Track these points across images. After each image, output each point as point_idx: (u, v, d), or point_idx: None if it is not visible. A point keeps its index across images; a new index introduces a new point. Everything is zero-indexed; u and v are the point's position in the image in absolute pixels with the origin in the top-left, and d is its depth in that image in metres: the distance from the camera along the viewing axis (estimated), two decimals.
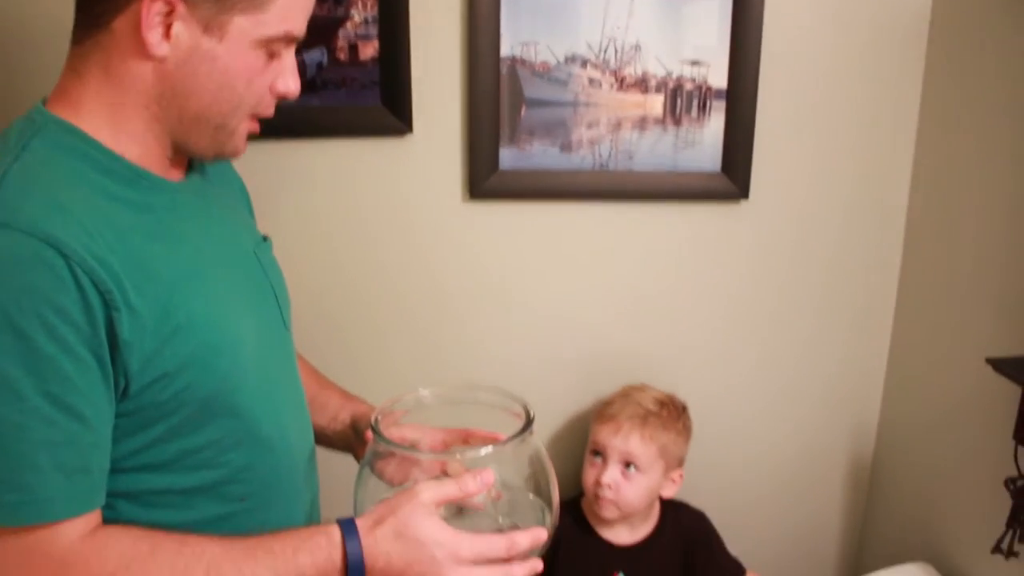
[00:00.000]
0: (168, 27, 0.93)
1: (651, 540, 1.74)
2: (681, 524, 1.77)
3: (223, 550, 0.93)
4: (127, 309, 0.89)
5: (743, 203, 1.74)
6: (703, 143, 1.70)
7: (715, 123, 1.69)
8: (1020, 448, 1.39)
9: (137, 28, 0.92)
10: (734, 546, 1.78)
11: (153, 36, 0.92)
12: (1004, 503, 1.43)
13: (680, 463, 1.74)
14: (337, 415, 1.33)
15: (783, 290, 1.81)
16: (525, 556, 1.04)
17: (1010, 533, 1.42)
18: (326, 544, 0.96)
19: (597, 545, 1.72)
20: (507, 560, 1.02)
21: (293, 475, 1.15)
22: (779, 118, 1.70)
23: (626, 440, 1.66)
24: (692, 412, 1.77)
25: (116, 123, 0.97)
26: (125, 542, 0.91)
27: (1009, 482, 1.41)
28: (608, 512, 1.68)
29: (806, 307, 1.82)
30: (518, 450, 1.09)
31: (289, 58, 1.04)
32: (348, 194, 1.69)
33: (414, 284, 1.75)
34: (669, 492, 1.74)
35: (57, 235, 0.85)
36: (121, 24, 0.93)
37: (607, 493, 1.66)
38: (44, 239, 0.84)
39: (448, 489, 1.02)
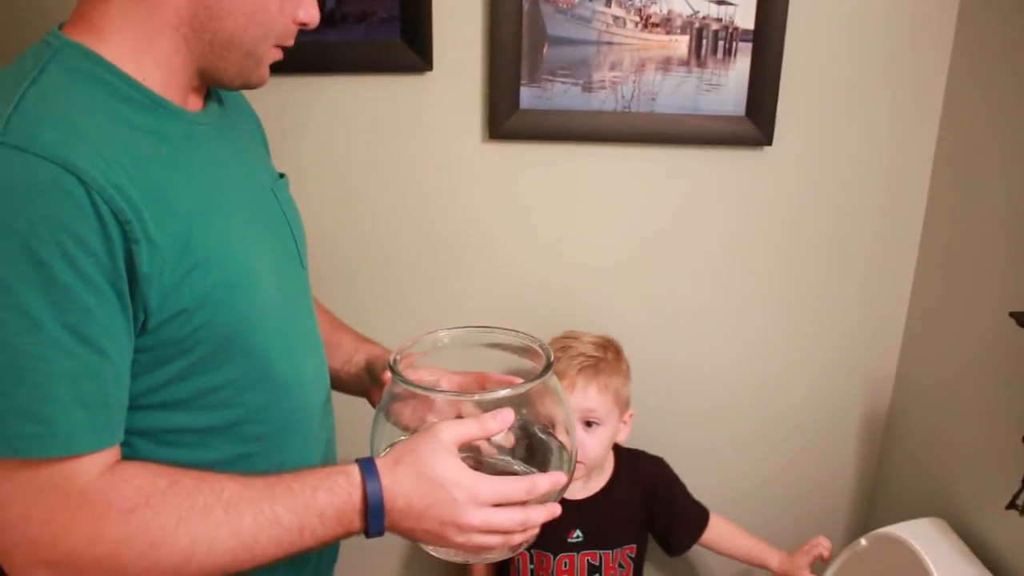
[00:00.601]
0: None
1: (606, 492, 1.69)
2: (638, 472, 1.72)
3: (242, 487, 0.92)
4: (146, 241, 0.87)
5: (766, 149, 1.70)
6: (727, 86, 1.65)
7: (740, 66, 1.64)
8: None
9: None
10: (743, 498, 1.77)
11: None
12: (1020, 459, 1.41)
13: (628, 404, 1.68)
14: (351, 357, 1.32)
15: (803, 238, 1.77)
16: (544, 500, 1.03)
17: None
18: (345, 483, 0.95)
19: None
20: (526, 503, 1.00)
21: (310, 415, 1.13)
22: (806, 62, 1.65)
23: (584, 395, 1.59)
24: (705, 360, 1.76)
25: (142, 47, 0.94)
26: (144, 477, 0.90)
27: None
28: (576, 474, 1.63)
29: (826, 256, 1.79)
30: (538, 392, 1.07)
31: None
32: (365, 132, 1.65)
33: (431, 224, 1.72)
34: (623, 436, 1.68)
35: (76, 162, 0.82)
36: None
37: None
38: (63, 165, 0.81)
39: (469, 428, 1.00)
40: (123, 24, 0.93)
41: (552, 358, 1.09)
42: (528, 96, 1.64)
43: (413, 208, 1.71)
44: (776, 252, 1.78)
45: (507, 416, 1.01)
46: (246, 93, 1.18)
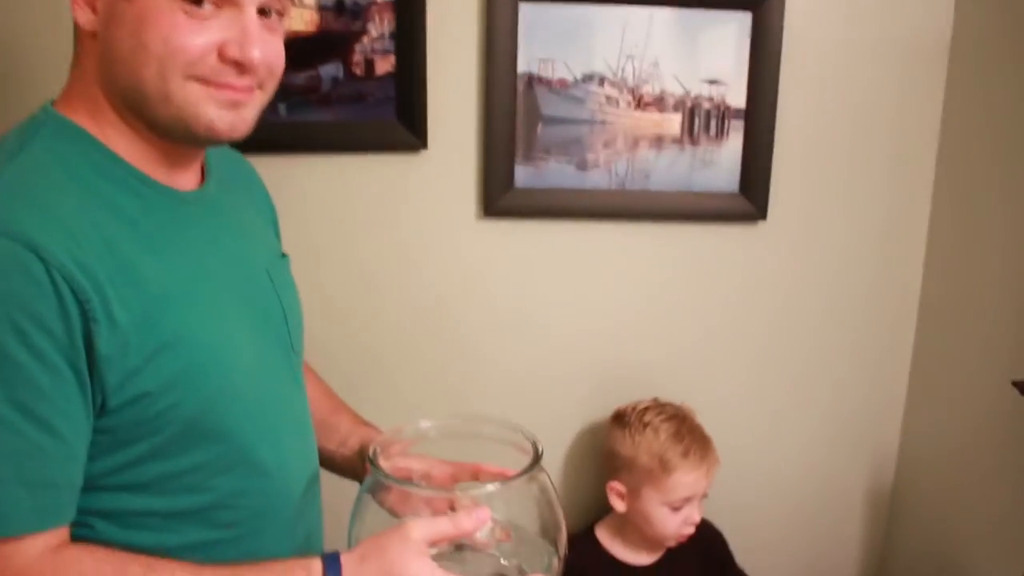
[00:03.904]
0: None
1: (670, 557, 1.61)
2: (701, 541, 1.63)
3: None
4: (107, 321, 0.80)
5: (760, 224, 1.63)
6: (721, 163, 1.59)
7: (733, 143, 1.59)
8: None
9: None
10: (752, 572, 1.67)
11: (82, 14, 0.86)
12: None
13: None
14: (346, 440, 1.21)
15: (801, 312, 1.70)
16: None
17: None
18: None
19: (617, 570, 1.60)
20: None
21: (287, 504, 1.03)
22: (798, 138, 1.60)
23: (708, 479, 1.55)
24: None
25: (96, 113, 0.89)
26: (87, 563, 0.82)
27: None
28: (681, 540, 1.58)
29: (824, 329, 1.71)
30: (526, 488, 0.96)
31: (244, 21, 0.87)
32: (361, 210, 1.59)
33: (427, 302, 1.64)
34: None
35: (37, 239, 0.77)
36: None
37: (691, 530, 1.56)
38: (24, 243, 0.77)
39: (441, 527, 0.90)
40: (85, 91, 0.89)
41: (540, 451, 0.98)
42: (523, 174, 1.58)
43: (409, 285, 1.63)
44: (773, 326, 1.71)
45: (483, 515, 0.91)
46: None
